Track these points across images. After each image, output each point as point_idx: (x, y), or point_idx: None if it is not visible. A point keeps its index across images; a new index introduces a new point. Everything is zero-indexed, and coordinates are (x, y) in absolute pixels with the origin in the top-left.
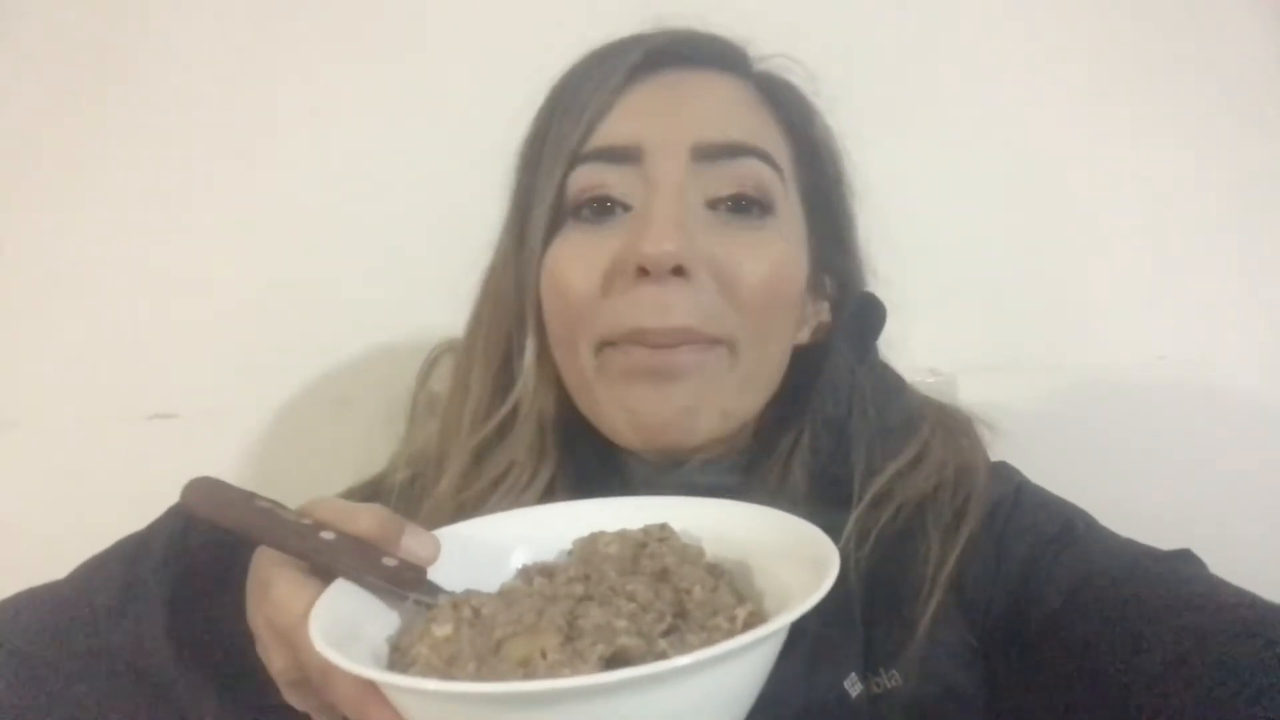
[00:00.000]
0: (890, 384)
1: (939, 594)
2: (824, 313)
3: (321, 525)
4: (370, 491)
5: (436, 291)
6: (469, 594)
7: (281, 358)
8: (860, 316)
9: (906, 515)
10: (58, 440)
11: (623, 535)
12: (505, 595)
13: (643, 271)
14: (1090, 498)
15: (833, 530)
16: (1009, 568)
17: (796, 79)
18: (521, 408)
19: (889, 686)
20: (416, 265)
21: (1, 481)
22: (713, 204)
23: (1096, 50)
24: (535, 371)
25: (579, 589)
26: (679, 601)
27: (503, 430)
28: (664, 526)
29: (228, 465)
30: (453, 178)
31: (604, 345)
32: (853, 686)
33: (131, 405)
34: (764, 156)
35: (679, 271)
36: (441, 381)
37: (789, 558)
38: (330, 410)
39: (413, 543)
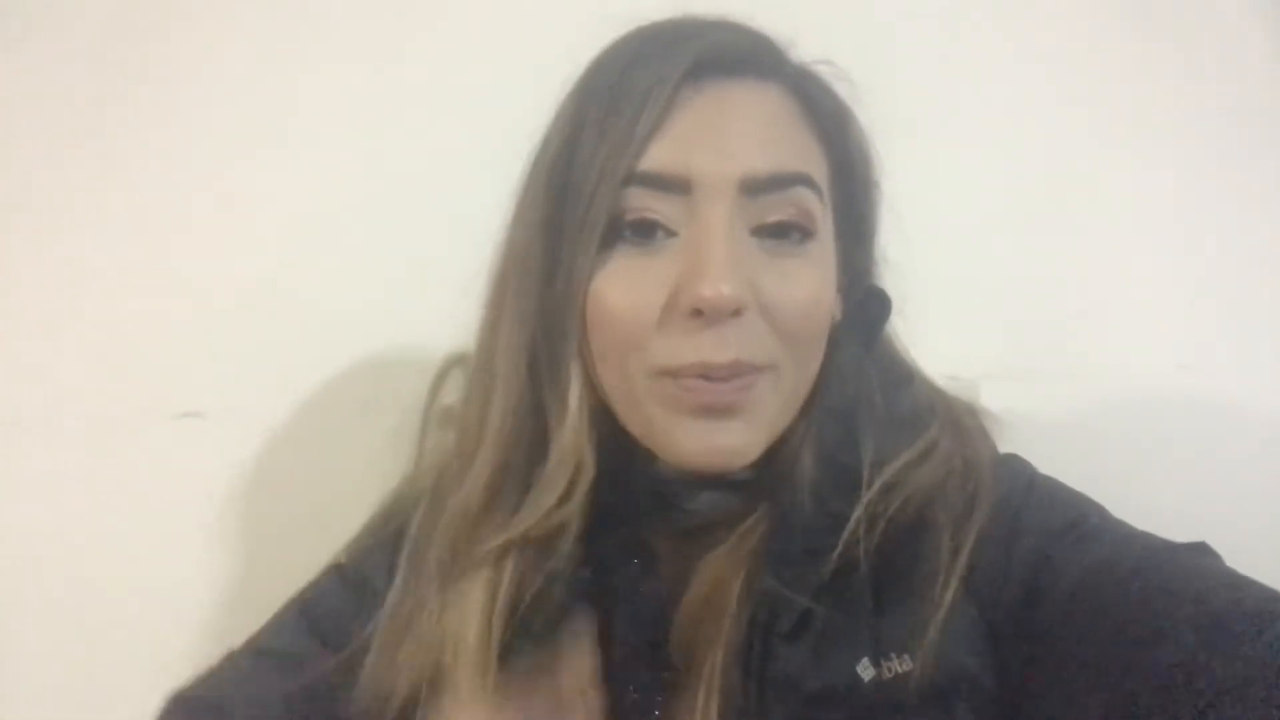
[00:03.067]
0: (899, 375)
1: (954, 587)
2: (838, 306)
3: None
4: (397, 523)
5: (463, 297)
6: None
7: (308, 358)
8: (865, 308)
9: (917, 506)
10: (84, 439)
11: None
12: None
13: (698, 313)
14: (1110, 506)
15: (840, 518)
16: (1020, 558)
17: (833, 79)
18: (563, 426)
19: (900, 670)
20: (445, 270)
21: (27, 482)
22: (756, 231)
23: (1122, 54)
24: (579, 392)
25: None
26: None
27: (535, 444)
28: None
29: (254, 465)
30: (483, 180)
31: (661, 374)
32: (865, 671)
33: (159, 404)
34: (809, 183)
35: (736, 313)
36: (452, 395)
37: None
38: (355, 412)
39: None
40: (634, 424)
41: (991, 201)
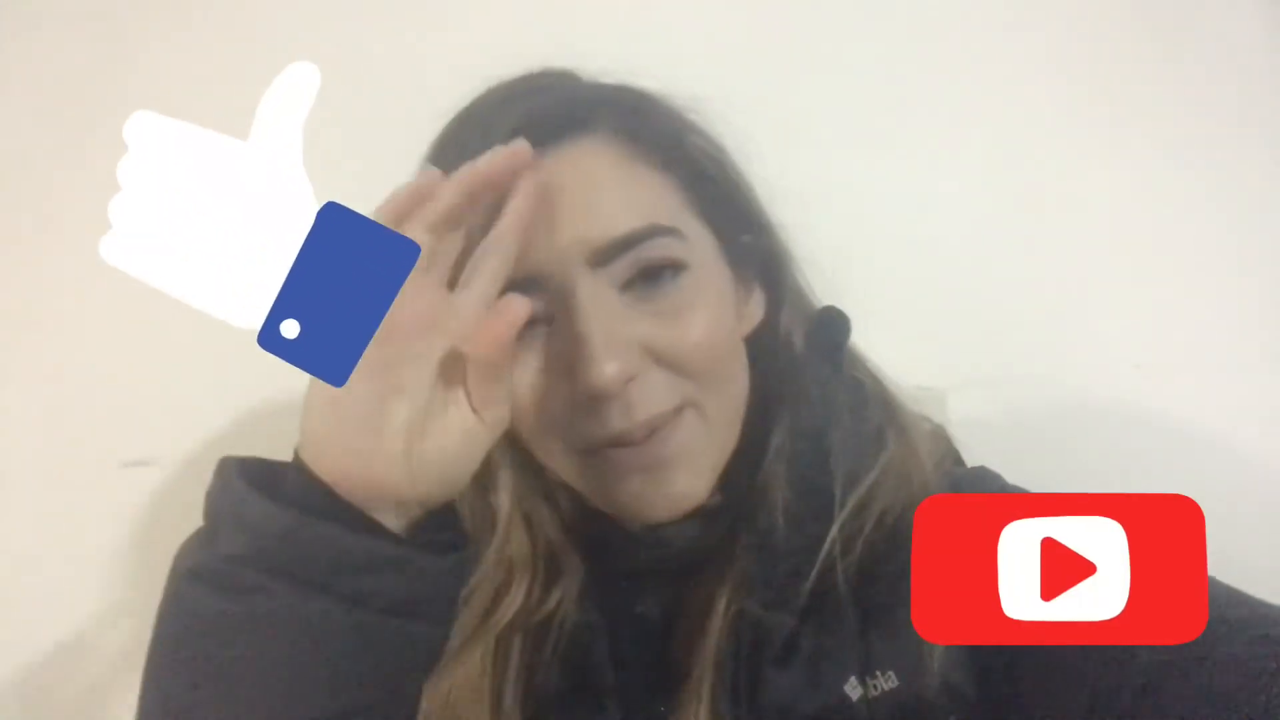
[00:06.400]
0: (865, 392)
1: None
2: (756, 293)
3: None
4: None
5: None
6: None
7: (263, 404)
8: (826, 330)
9: (892, 522)
10: (33, 488)
11: None
12: None
13: (594, 398)
14: None
15: (817, 539)
16: None
17: (653, 91)
18: (495, 536)
19: (887, 688)
20: None
21: None
22: (626, 286)
23: (1075, 57)
24: (510, 494)
25: None
26: None
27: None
28: None
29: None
30: None
31: (583, 453)
32: (853, 690)
33: (109, 452)
34: (654, 231)
35: (630, 380)
36: None
37: None
38: None
39: None
40: (582, 491)
41: (960, 209)
